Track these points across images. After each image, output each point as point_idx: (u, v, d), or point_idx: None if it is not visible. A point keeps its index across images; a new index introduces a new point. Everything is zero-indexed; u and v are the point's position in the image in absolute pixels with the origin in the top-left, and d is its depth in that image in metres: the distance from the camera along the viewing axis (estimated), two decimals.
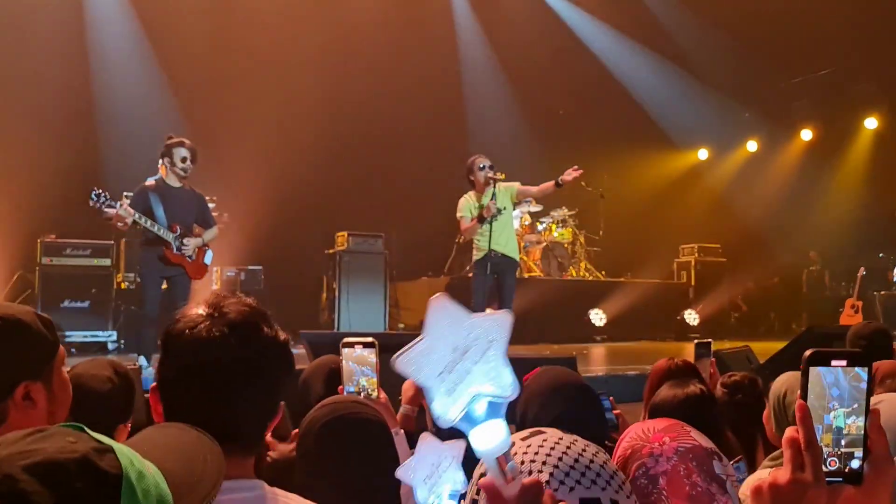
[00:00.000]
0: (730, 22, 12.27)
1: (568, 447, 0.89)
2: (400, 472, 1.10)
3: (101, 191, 5.76)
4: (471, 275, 10.14)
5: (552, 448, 0.89)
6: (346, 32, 12.05)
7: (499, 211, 6.71)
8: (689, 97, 14.04)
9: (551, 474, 0.85)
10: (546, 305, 9.82)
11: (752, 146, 14.70)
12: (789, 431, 0.82)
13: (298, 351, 8.23)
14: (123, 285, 9.02)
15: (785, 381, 2.24)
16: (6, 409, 1.33)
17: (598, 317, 10.78)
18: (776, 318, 13.80)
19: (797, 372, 0.82)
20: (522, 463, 0.87)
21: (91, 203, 5.76)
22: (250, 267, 9.46)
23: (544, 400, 2.15)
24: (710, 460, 1.43)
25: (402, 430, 2.30)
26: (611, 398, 3.11)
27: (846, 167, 13.70)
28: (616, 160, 13.99)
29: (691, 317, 11.48)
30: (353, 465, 1.64)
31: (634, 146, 14.07)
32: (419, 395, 2.69)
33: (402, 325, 10.41)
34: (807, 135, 14.17)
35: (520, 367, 2.75)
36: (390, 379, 2.74)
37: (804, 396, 0.81)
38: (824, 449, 0.82)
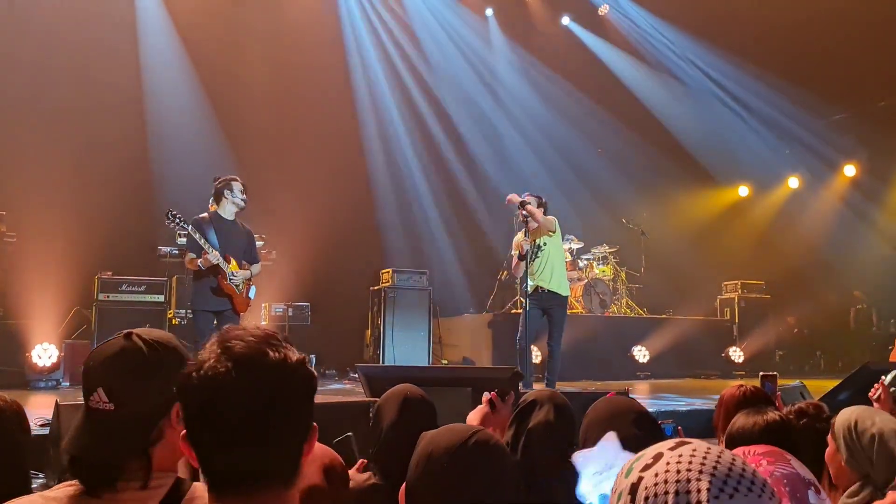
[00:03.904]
0: (769, 58, 12.31)
1: (719, 456, 0.91)
2: (576, 456, 1.19)
3: (175, 212, 6.02)
4: (513, 311, 10.25)
5: (704, 457, 0.90)
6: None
7: (536, 248, 6.81)
8: (729, 134, 14.04)
9: (710, 482, 0.87)
10: (588, 342, 9.80)
11: (793, 182, 14.60)
12: None
13: (346, 385, 8.37)
14: (175, 321, 9.25)
15: (852, 414, 2.21)
16: (163, 428, 1.43)
17: (641, 353, 10.74)
18: (822, 356, 13.55)
19: (862, 406, 0.90)
20: (678, 472, 0.89)
21: (167, 222, 6.04)
22: (298, 303, 9.62)
23: (604, 426, 2.22)
24: (805, 489, 1.40)
25: None
26: (679, 427, 3.16)
27: (892, 203, 13.54)
28: (656, 197, 14.00)
29: (736, 354, 11.38)
30: (493, 486, 1.73)
31: (675, 183, 14.08)
32: (485, 423, 2.78)
33: (445, 361, 10.45)
34: (850, 171, 14.05)
35: (579, 401, 2.83)
36: (448, 412, 2.88)
37: None
38: None
